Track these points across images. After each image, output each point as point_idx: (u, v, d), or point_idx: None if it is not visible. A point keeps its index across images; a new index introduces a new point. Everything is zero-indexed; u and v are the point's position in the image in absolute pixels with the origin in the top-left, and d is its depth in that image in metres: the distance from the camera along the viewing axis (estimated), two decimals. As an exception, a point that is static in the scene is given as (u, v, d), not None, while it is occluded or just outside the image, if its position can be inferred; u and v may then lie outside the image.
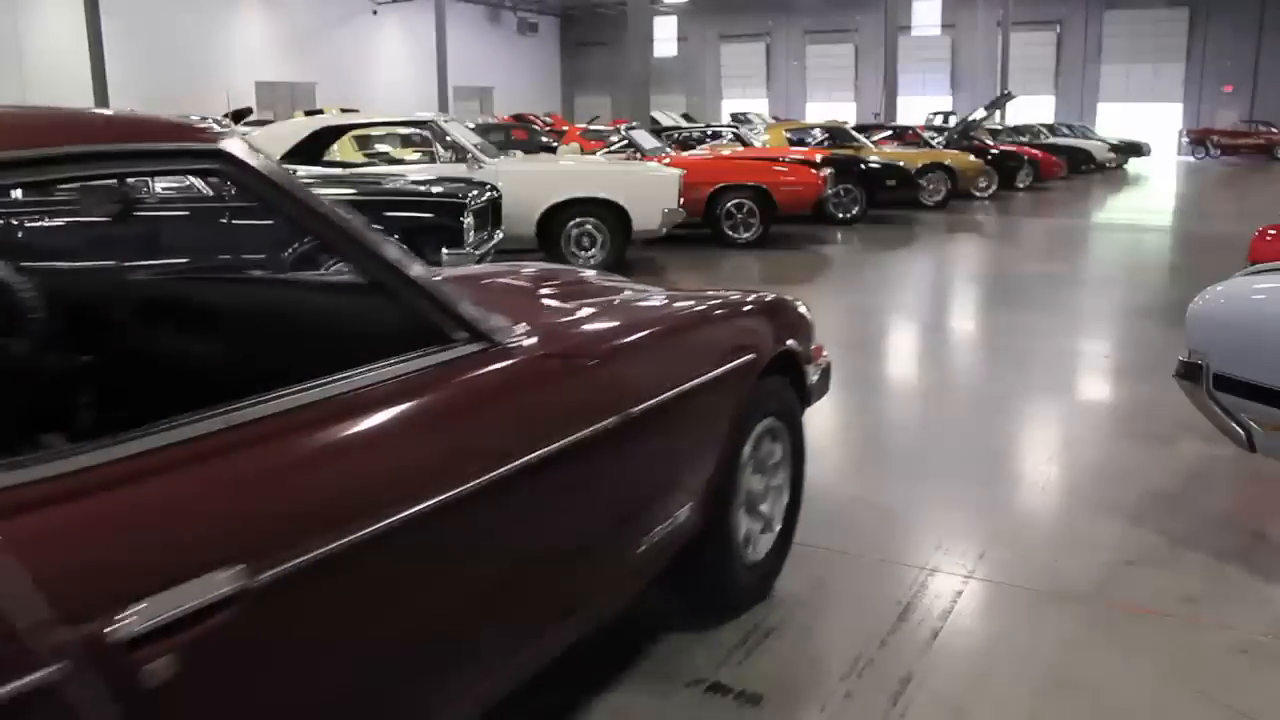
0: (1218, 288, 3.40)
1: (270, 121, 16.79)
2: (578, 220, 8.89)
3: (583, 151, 15.21)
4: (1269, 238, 6.29)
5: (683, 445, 2.45)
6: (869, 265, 10.57)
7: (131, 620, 1.17)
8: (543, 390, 1.97)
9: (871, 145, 16.61)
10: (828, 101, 40.45)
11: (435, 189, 6.98)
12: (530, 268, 3.00)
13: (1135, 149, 27.56)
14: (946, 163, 16.05)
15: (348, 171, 8.83)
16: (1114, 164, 25.46)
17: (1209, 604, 2.96)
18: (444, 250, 6.40)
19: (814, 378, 3.09)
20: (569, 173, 9.44)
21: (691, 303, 2.68)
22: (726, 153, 13.61)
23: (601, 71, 43.12)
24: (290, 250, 5.87)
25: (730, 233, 11.10)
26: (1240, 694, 2.49)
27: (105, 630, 1.15)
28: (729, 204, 11.10)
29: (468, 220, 6.55)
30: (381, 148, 13.24)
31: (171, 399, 1.41)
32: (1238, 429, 3.23)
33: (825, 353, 3.22)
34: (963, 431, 4.68)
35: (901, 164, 14.43)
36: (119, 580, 1.20)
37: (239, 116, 19.00)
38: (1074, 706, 2.46)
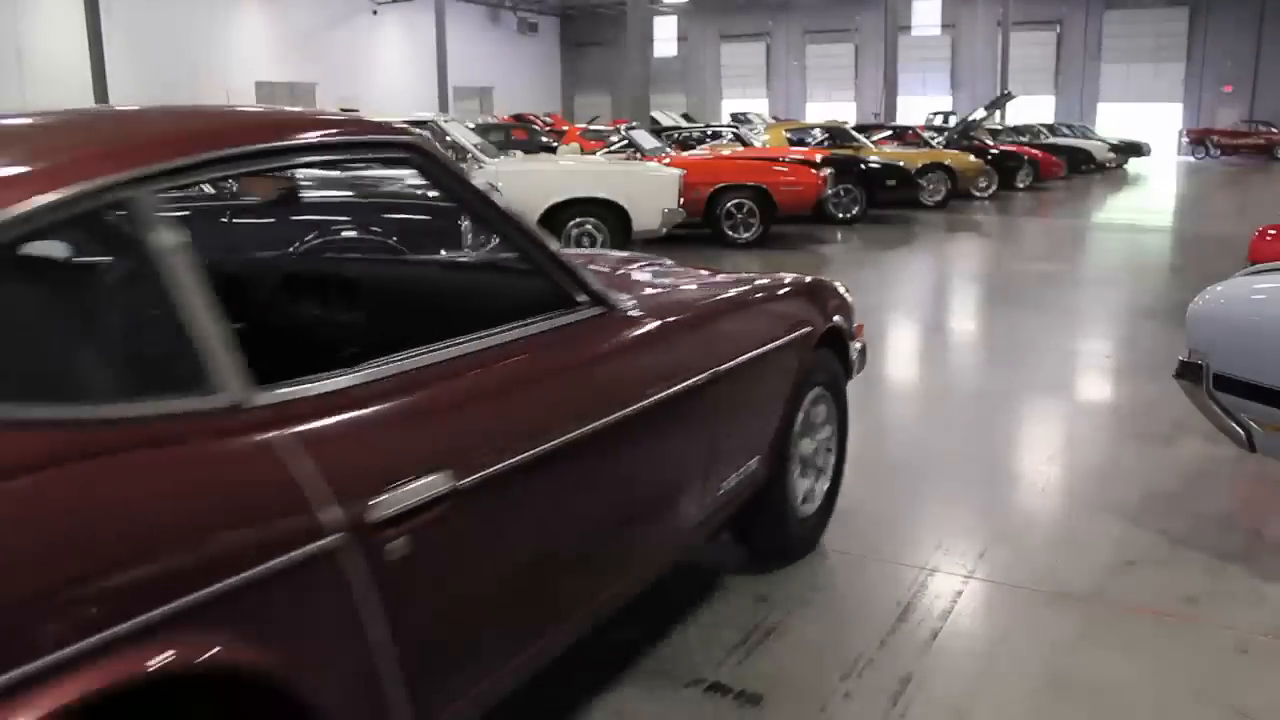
0: (1218, 288, 3.40)
1: (270, 121, 16.74)
2: (578, 220, 8.89)
3: (583, 151, 15.21)
4: (1269, 238, 6.30)
5: (755, 403, 2.81)
6: (869, 265, 10.57)
7: (381, 505, 1.52)
8: (650, 348, 2.35)
9: (871, 145, 16.62)
10: (828, 101, 40.46)
11: (434, 191, 6.97)
12: (613, 254, 3.37)
13: (1135, 149, 27.56)
14: (946, 163, 16.05)
15: (347, 172, 8.83)
16: (1114, 164, 25.46)
17: (1209, 604, 2.96)
18: (442, 253, 6.41)
19: (855, 353, 3.39)
20: (569, 173, 9.44)
21: (757, 281, 3.01)
22: (726, 153, 13.61)
23: (601, 71, 43.13)
24: (297, 244, 5.90)
25: (730, 233, 11.10)
26: (1240, 694, 2.49)
27: (364, 512, 1.49)
28: (729, 204, 11.10)
29: (466, 221, 6.55)
30: (381, 148, 13.21)
31: (382, 346, 1.77)
32: (1238, 429, 3.23)
33: (864, 333, 3.53)
34: (963, 431, 4.68)
35: (901, 164, 14.44)
36: (373, 475, 1.54)
37: (239, 116, 18.98)
38: (1074, 706, 2.46)
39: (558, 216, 8.84)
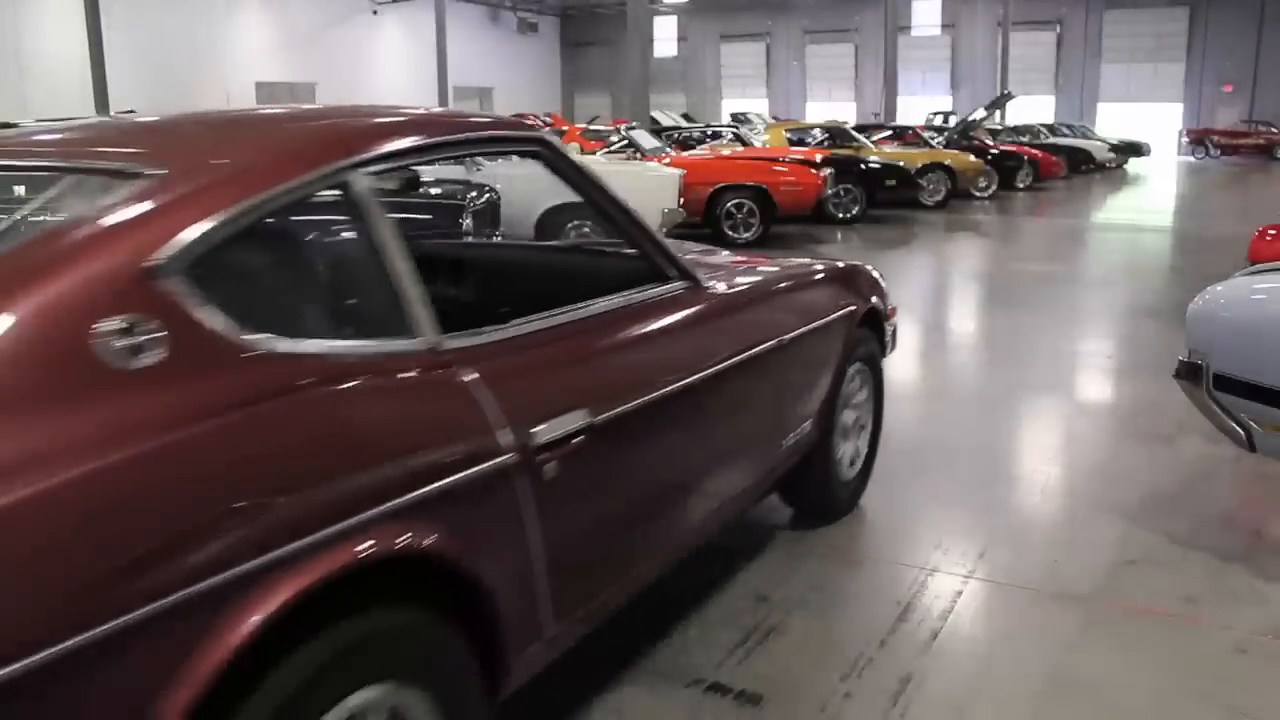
0: (1218, 288, 3.40)
1: (270, 121, 16.73)
2: (576, 222, 8.89)
3: (582, 151, 15.20)
4: (1269, 238, 6.30)
5: (809, 371, 3.16)
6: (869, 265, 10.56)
7: (540, 433, 1.86)
8: (730, 317, 2.72)
9: (871, 145, 16.61)
10: (828, 101, 40.44)
11: (434, 190, 6.98)
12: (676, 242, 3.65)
13: (1135, 149, 27.55)
14: (946, 163, 16.05)
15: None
16: (1114, 164, 25.45)
17: (1209, 604, 2.96)
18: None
19: (889, 333, 3.74)
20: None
21: (807, 264, 3.38)
22: (726, 153, 13.62)
23: (601, 71, 43.11)
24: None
25: (730, 233, 11.10)
26: (1240, 694, 2.49)
27: (528, 439, 1.83)
28: (729, 204, 11.11)
29: (467, 222, 6.55)
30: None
31: (527, 309, 2.12)
32: (1238, 429, 3.23)
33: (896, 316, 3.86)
34: (962, 431, 4.68)
35: (901, 164, 14.44)
36: (534, 408, 1.88)
37: (239, 117, 18.97)
38: (1074, 706, 2.46)
39: (557, 218, 8.84)
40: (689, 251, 3.22)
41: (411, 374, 1.74)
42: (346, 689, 1.50)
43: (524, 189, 8.68)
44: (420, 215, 6.52)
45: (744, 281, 2.91)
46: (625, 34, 18.57)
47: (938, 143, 18.47)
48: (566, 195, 9.44)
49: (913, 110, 30.23)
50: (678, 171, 9.50)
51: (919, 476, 4.06)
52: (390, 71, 35.62)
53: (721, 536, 3.45)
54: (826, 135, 16.89)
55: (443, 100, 30.26)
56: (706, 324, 2.62)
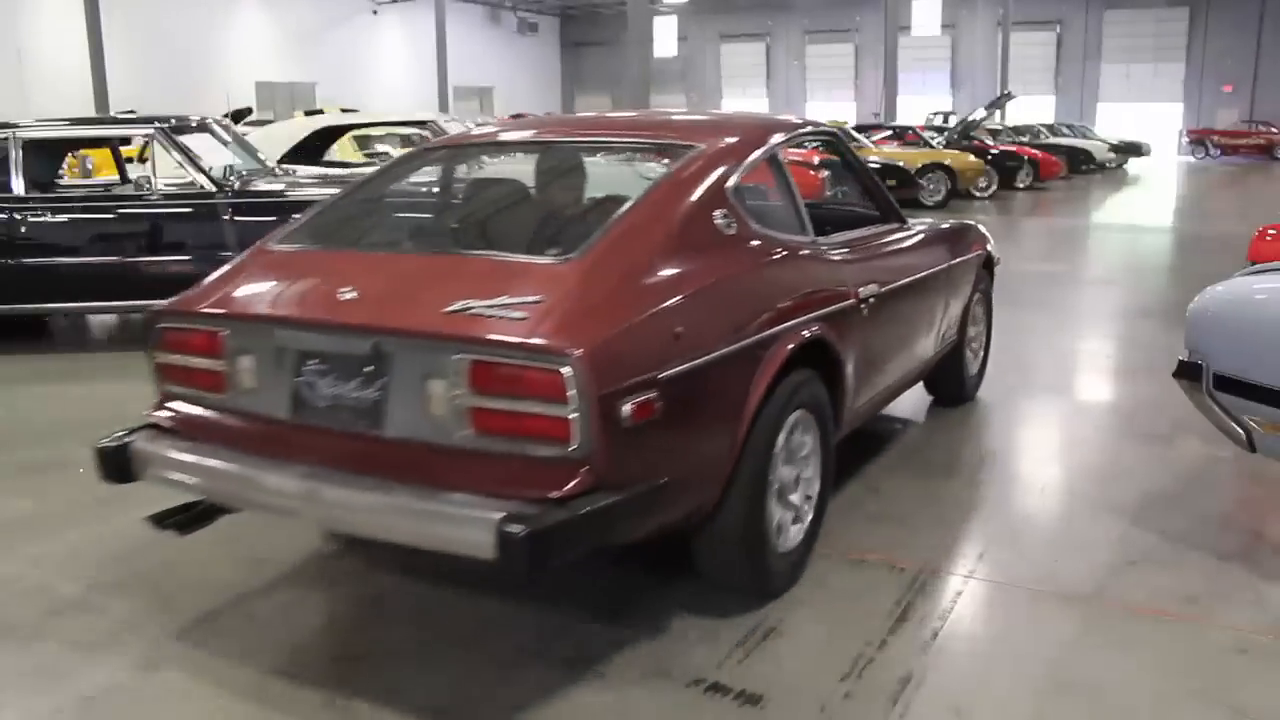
0: (1218, 288, 3.40)
1: (270, 121, 16.77)
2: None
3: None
4: (1269, 238, 6.30)
5: (958, 290, 4.56)
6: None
7: (861, 293, 3.37)
8: (926, 244, 4.24)
9: (871, 145, 16.60)
10: (828, 101, 40.44)
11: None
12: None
13: (1135, 149, 27.54)
14: (946, 163, 16.05)
15: (348, 171, 8.82)
16: (1114, 164, 25.45)
17: (1209, 604, 2.96)
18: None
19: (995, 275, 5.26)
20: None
21: (958, 221, 4.92)
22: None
23: (601, 71, 43.11)
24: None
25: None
26: (1240, 694, 2.50)
27: (858, 296, 3.34)
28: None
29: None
30: (381, 148, 13.23)
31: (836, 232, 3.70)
32: (1238, 429, 3.23)
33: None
34: (962, 430, 4.68)
35: (901, 164, 14.44)
36: (859, 280, 3.39)
37: (239, 116, 18.96)
38: (1074, 706, 2.47)
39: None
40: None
41: (812, 253, 3.29)
42: (793, 408, 2.94)
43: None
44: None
45: (927, 225, 4.39)
46: (625, 34, 18.53)
47: (938, 143, 18.46)
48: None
49: (913, 110, 30.19)
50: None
51: (919, 475, 4.06)
52: (390, 71, 35.61)
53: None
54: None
55: (442, 100, 30.23)
56: (917, 248, 4.15)
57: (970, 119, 19.97)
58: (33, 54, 24.22)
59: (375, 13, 35.21)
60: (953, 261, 4.38)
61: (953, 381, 4.83)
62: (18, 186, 6.26)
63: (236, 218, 6.32)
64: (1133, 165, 27.54)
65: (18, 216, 6.21)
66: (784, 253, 3.10)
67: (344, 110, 18.01)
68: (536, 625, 2.87)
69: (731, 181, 3.00)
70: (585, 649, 2.73)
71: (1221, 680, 2.57)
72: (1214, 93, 35.47)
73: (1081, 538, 3.45)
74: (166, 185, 6.45)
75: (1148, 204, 18.30)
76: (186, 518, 2.87)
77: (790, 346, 2.86)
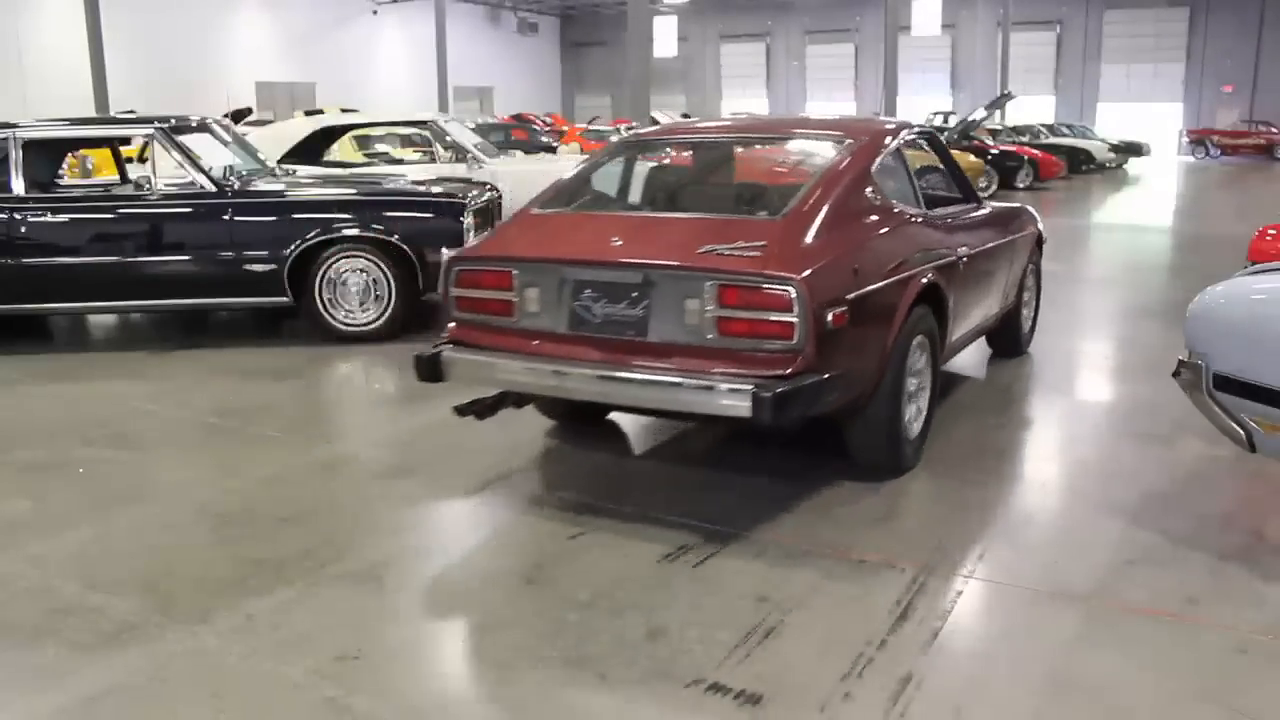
0: (1218, 288, 3.40)
1: (270, 121, 16.77)
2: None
3: (583, 151, 15.18)
4: (1269, 238, 6.30)
5: (1018, 260, 5.57)
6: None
7: (958, 254, 4.45)
8: (998, 220, 5.25)
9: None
10: (828, 101, 40.44)
11: (435, 189, 6.97)
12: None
13: (1135, 149, 27.52)
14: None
15: (348, 171, 8.82)
16: (1114, 164, 25.44)
17: (1209, 604, 2.96)
18: (444, 251, 6.41)
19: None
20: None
21: (1016, 205, 5.96)
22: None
23: (601, 71, 43.11)
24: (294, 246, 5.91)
25: (730, 233, 11.07)
26: (1240, 694, 2.50)
27: (957, 256, 4.42)
28: (729, 204, 11.08)
29: (468, 220, 6.55)
30: (381, 148, 13.22)
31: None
32: (1238, 429, 3.23)
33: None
34: (962, 429, 4.68)
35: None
36: (954, 243, 4.46)
37: (239, 116, 18.98)
38: (1074, 706, 2.47)
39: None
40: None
41: (926, 221, 4.33)
42: (917, 333, 3.96)
43: (526, 186, 8.67)
44: (420, 215, 6.52)
45: (994, 205, 5.51)
46: (625, 34, 18.54)
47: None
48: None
49: (913, 110, 30.17)
50: (678, 171, 9.48)
51: (919, 474, 4.06)
52: (390, 71, 35.61)
53: (721, 536, 3.45)
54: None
55: (442, 100, 30.23)
56: (991, 224, 5.15)
57: (970, 119, 19.91)
58: (33, 54, 24.21)
59: (375, 13, 35.21)
60: (1015, 236, 5.46)
61: (1010, 337, 5.89)
62: (18, 186, 6.26)
63: (236, 218, 6.32)
64: (1133, 165, 27.53)
65: (18, 216, 6.22)
66: (910, 218, 4.22)
67: (344, 110, 18.02)
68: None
69: (875, 166, 4.11)
70: (584, 649, 2.74)
71: (1221, 680, 2.57)
72: (1214, 93, 35.46)
73: (1081, 537, 3.45)
74: (166, 185, 6.45)
75: (1148, 204, 18.29)
76: (481, 407, 4.03)
77: (922, 282, 3.96)
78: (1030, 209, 5.97)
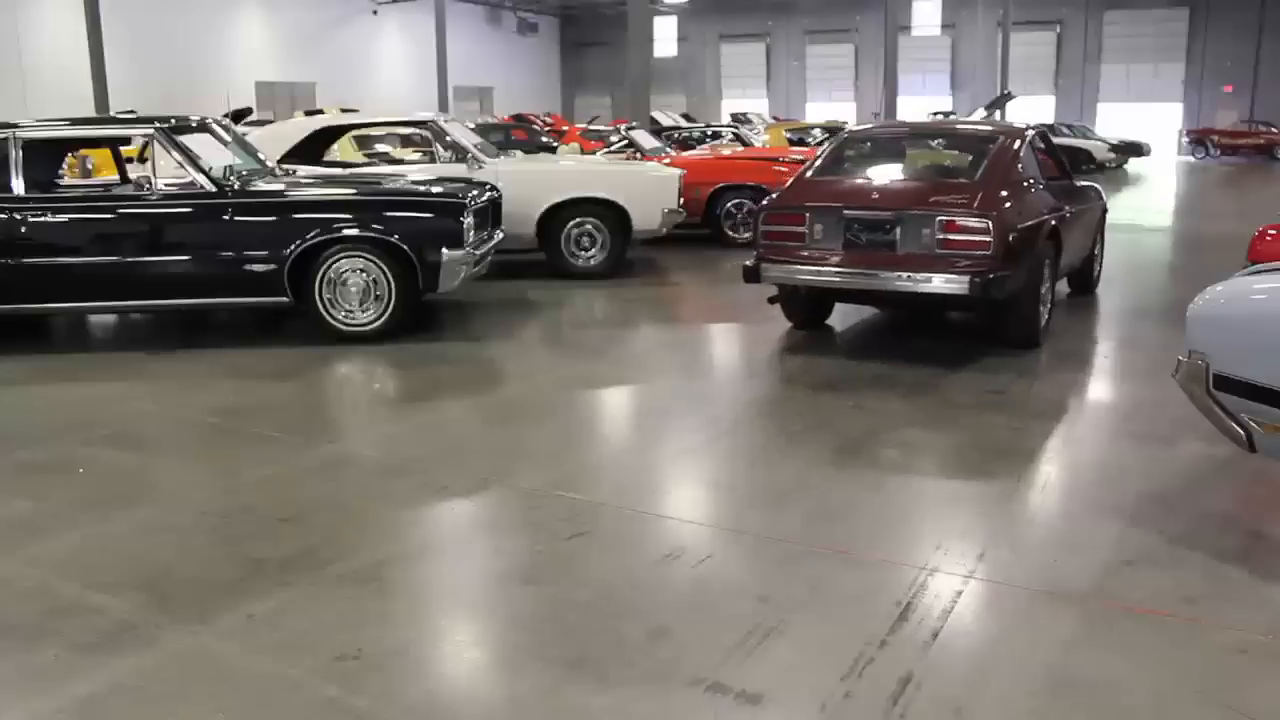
0: (1218, 288, 3.40)
1: (270, 121, 16.77)
2: (578, 220, 8.89)
3: (583, 151, 15.20)
4: (1269, 238, 6.30)
5: (1093, 223, 7.76)
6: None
7: (1058, 215, 6.58)
8: (1083, 192, 7.59)
9: (872, 145, 16.54)
10: (828, 101, 40.43)
11: (435, 189, 6.97)
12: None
13: (1135, 149, 27.52)
14: (946, 164, 16.01)
15: (348, 171, 8.82)
16: (1114, 164, 25.44)
17: (1209, 604, 2.96)
18: (443, 250, 6.41)
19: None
20: (569, 173, 9.43)
21: (1090, 182, 8.06)
22: (726, 153, 13.60)
23: (601, 71, 43.10)
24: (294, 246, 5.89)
25: (730, 233, 11.10)
26: (1240, 694, 2.50)
27: (1066, 211, 6.76)
28: (729, 204, 11.10)
29: (468, 220, 6.55)
30: (381, 148, 13.23)
31: None
32: (1238, 429, 3.23)
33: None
34: (961, 429, 4.68)
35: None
36: (1064, 205, 6.75)
37: (239, 116, 18.95)
38: (1074, 706, 2.47)
39: (558, 216, 8.83)
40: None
41: (1048, 188, 6.64)
42: (1046, 257, 6.27)
43: (526, 186, 8.69)
44: (420, 214, 6.52)
45: (1080, 182, 7.47)
46: (625, 34, 18.55)
47: (938, 143, 18.43)
48: (570, 191, 9.62)
49: (913, 110, 30.21)
50: (678, 171, 9.49)
51: (920, 475, 4.06)
52: (390, 71, 35.61)
53: (720, 537, 3.45)
54: (826, 135, 16.88)
55: (442, 100, 30.24)
56: (1081, 194, 7.34)
57: (970, 119, 19.98)
58: (33, 54, 24.21)
59: (375, 13, 35.21)
60: (1094, 203, 7.71)
61: (1084, 279, 8.01)
62: (18, 186, 6.26)
63: (237, 218, 6.32)
64: (1133, 165, 27.52)
65: (18, 216, 6.22)
66: (1040, 186, 6.46)
67: (344, 110, 18.02)
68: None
69: (1021, 151, 6.34)
70: (585, 649, 2.74)
71: (1221, 680, 2.56)
72: (1214, 93, 35.45)
73: (1081, 538, 3.45)
74: (166, 185, 6.45)
75: (1148, 204, 18.28)
76: (777, 298, 6.66)
77: (1050, 224, 6.21)
78: (1099, 187, 8.08)
